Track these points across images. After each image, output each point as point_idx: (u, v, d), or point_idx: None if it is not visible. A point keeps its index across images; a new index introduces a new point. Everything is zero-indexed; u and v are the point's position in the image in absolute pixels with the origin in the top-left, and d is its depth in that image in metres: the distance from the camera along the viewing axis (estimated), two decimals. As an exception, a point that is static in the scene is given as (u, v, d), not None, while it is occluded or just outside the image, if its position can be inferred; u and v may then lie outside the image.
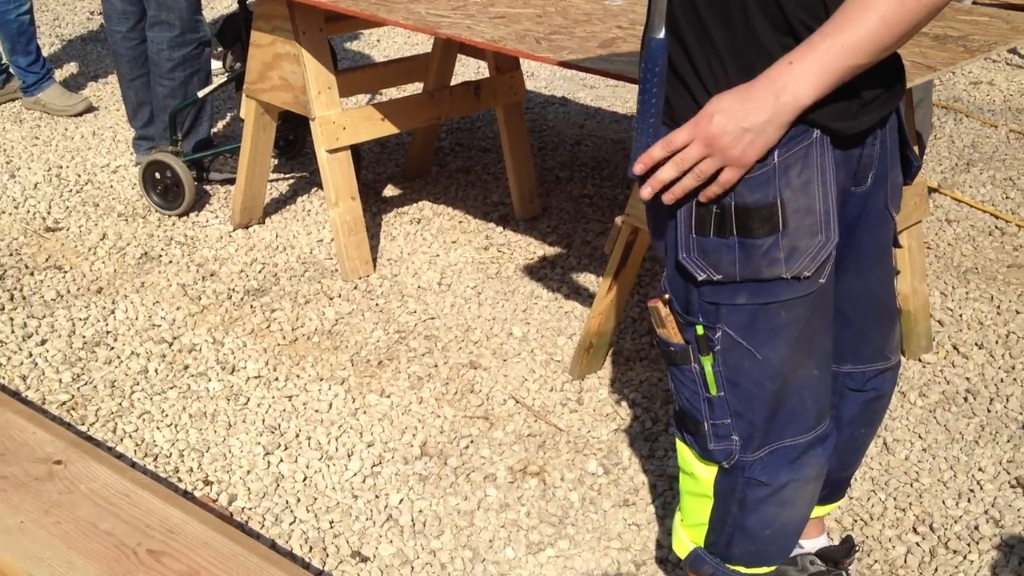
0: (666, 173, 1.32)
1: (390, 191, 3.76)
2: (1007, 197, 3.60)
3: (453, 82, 3.59)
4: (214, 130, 4.12)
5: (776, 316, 1.38)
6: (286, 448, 2.39)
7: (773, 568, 1.63)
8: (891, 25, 1.19)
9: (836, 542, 1.93)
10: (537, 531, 2.13)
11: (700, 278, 1.37)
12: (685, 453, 1.56)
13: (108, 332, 2.86)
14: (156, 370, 2.69)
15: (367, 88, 3.74)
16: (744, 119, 1.25)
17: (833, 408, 1.61)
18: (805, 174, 1.32)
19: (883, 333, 1.63)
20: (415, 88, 4.18)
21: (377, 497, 2.23)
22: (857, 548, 1.83)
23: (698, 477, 1.54)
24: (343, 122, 3.07)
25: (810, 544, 1.84)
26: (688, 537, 1.63)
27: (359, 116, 3.14)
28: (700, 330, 1.42)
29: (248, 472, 2.32)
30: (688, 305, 1.43)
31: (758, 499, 1.50)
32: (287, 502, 2.22)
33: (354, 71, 3.58)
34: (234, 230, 3.45)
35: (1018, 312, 2.90)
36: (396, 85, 3.81)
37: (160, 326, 2.89)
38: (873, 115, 1.37)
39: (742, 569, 1.60)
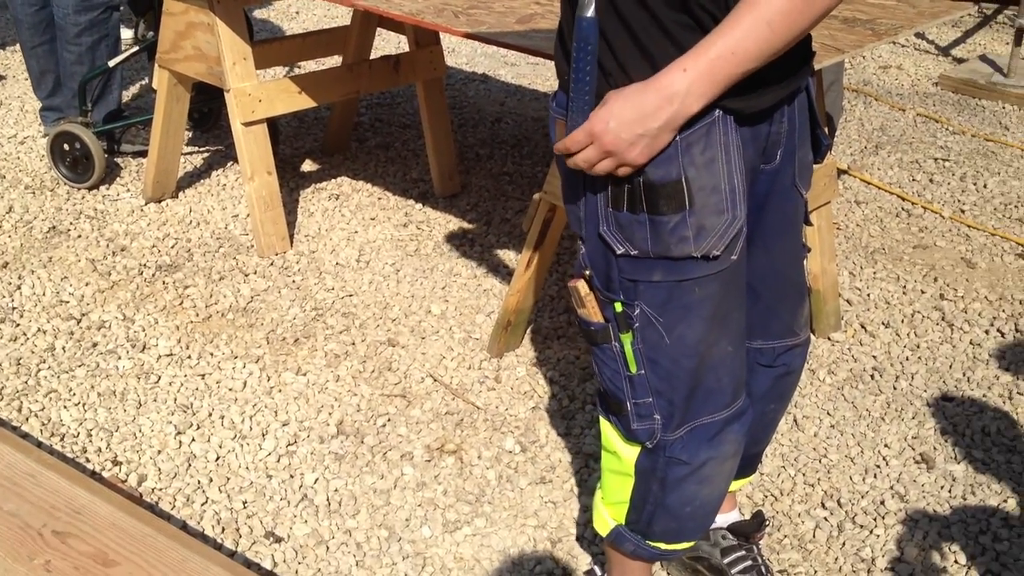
0: (574, 163, 1.37)
1: (308, 166, 3.71)
2: (913, 179, 3.70)
3: (373, 56, 3.55)
4: (125, 100, 4.01)
5: (690, 293, 1.40)
6: (198, 427, 2.35)
7: (692, 544, 1.66)
8: (777, 31, 1.23)
9: (747, 517, 1.97)
10: (454, 509, 2.13)
11: (619, 251, 1.39)
12: (608, 432, 1.57)
13: (14, 308, 2.78)
14: (64, 347, 2.62)
15: (284, 60, 3.67)
16: (638, 126, 1.29)
17: (745, 384, 1.64)
18: (708, 152, 1.35)
19: (791, 309, 1.66)
20: (334, 61, 4.13)
21: (292, 477, 2.21)
22: (767, 523, 1.87)
23: (621, 456, 1.56)
24: (259, 94, 3.01)
25: (722, 519, 1.88)
26: (609, 514, 1.64)
27: (276, 88, 3.08)
28: (619, 307, 1.43)
29: (159, 452, 2.28)
30: (608, 282, 1.44)
31: (679, 477, 1.52)
32: (199, 482, 2.19)
33: (271, 42, 3.51)
34: (146, 204, 3.37)
35: (923, 292, 2.99)
36: (314, 58, 3.75)
37: (68, 302, 2.81)
38: (776, 93, 1.39)
39: (662, 545, 1.62)
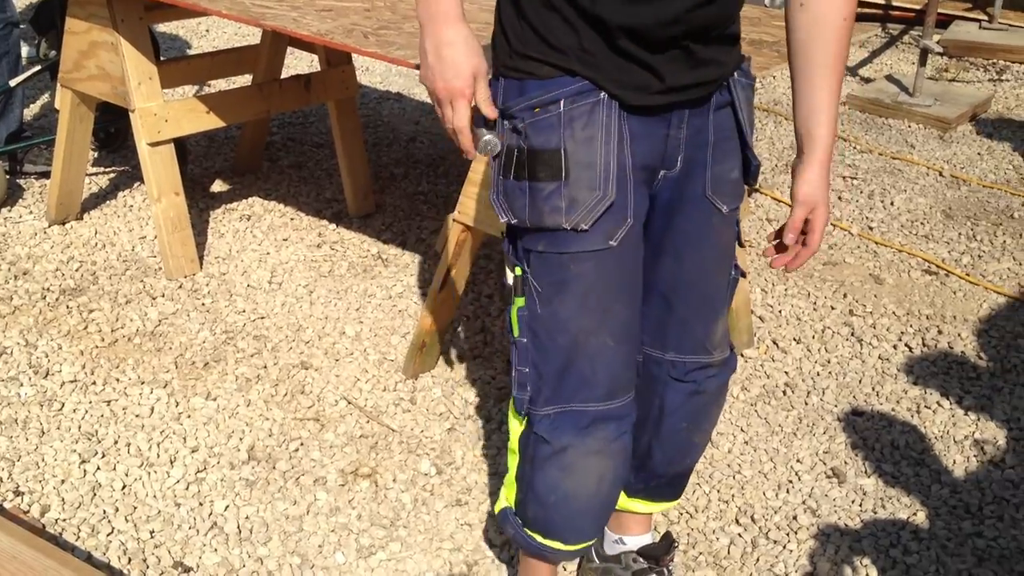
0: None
1: (219, 186, 3.64)
2: (823, 198, 3.77)
3: (284, 75, 3.50)
4: (28, 120, 3.89)
5: (566, 268, 1.47)
6: (104, 456, 2.27)
7: (569, 547, 1.68)
8: None
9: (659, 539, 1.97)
10: (368, 534, 2.10)
11: (502, 220, 1.50)
12: (511, 407, 1.64)
13: (-94, 335, 2.67)
14: (-40, 376, 2.52)
15: (192, 79, 3.61)
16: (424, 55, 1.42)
17: (657, 396, 1.69)
18: (589, 129, 1.42)
19: (704, 326, 1.65)
20: (244, 80, 4.06)
21: (201, 504, 2.15)
22: (676, 544, 1.86)
23: (513, 431, 1.64)
24: (165, 114, 2.95)
25: (633, 541, 1.88)
26: (505, 495, 1.72)
27: (182, 108, 3.02)
28: (519, 271, 1.53)
29: (63, 481, 2.20)
30: (514, 248, 1.54)
31: (542, 457, 1.58)
32: (104, 512, 2.11)
33: (178, 61, 3.45)
34: (49, 226, 3.27)
35: (833, 308, 3.04)
36: (223, 77, 3.69)
37: (-35, 328, 2.71)
38: (668, 97, 1.44)
39: (538, 537, 1.67)
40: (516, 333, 1.55)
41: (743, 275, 1.69)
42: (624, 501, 1.83)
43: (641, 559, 1.86)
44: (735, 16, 1.49)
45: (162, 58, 3.63)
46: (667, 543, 1.87)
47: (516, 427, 1.63)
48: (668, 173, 1.53)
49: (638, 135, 1.46)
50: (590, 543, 1.72)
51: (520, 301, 1.53)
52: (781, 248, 1.57)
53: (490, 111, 1.42)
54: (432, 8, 1.38)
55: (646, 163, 1.49)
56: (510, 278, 1.56)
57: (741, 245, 1.70)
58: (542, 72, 1.42)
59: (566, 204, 1.43)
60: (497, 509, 1.75)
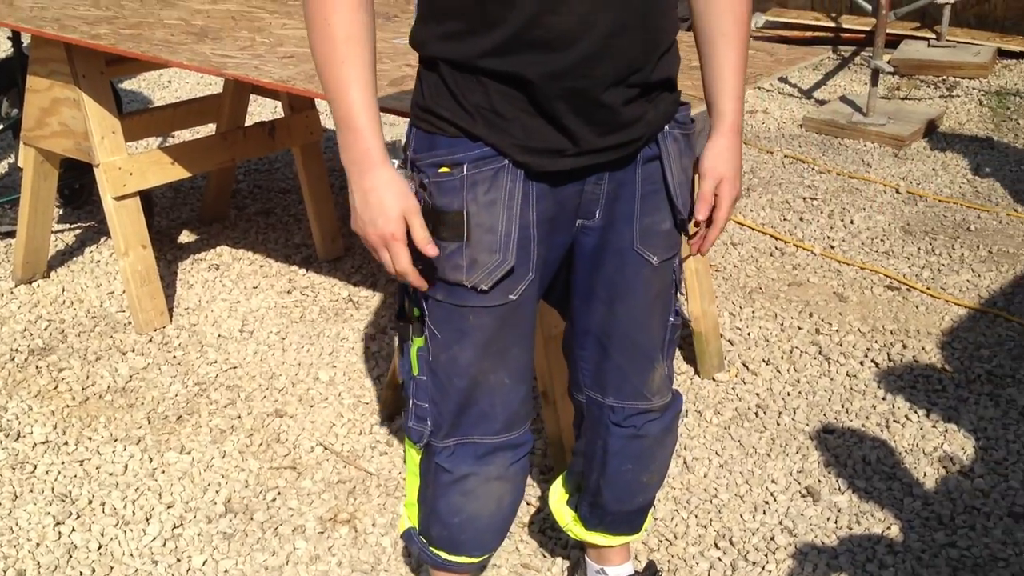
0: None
1: (186, 237, 3.65)
2: (784, 219, 3.83)
3: (248, 122, 3.52)
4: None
5: (465, 319, 1.49)
6: (78, 516, 2.26)
7: (475, 559, 1.73)
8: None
9: (641, 568, 1.99)
10: (349, 580, 2.10)
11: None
12: (407, 436, 1.67)
13: None
14: (-69, 442, 2.51)
15: (156, 131, 3.62)
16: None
17: (600, 438, 1.72)
18: (492, 194, 1.42)
19: (640, 374, 1.65)
20: (208, 130, 4.08)
21: (179, 560, 2.14)
22: (659, 573, 1.88)
23: (410, 457, 1.67)
24: (130, 168, 2.96)
25: (615, 572, 1.90)
26: (407, 515, 1.76)
27: (147, 161, 3.03)
28: (416, 312, 1.54)
29: (37, 545, 2.19)
30: (410, 289, 1.53)
31: (444, 484, 1.62)
32: (81, 573, 2.10)
33: (141, 114, 3.46)
34: (16, 286, 3.26)
35: (799, 328, 3.08)
36: (187, 127, 3.70)
37: (-66, 394, 2.70)
38: (585, 161, 1.43)
39: (443, 554, 1.71)
40: (416, 372, 1.56)
41: (685, 323, 1.70)
42: (585, 534, 1.87)
43: None
44: (667, 59, 1.45)
45: (124, 111, 3.64)
46: (651, 572, 1.89)
47: (413, 454, 1.66)
48: (587, 223, 1.53)
49: (545, 195, 1.46)
50: (496, 550, 1.77)
51: (420, 341, 1.54)
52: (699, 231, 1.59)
53: (431, 251, 1.38)
54: (353, 153, 1.35)
55: (554, 215, 1.49)
56: (407, 313, 1.58)
57: (677, 291, 1.67)
58: (449, 131, 1.41)
59: (467, 264, 1.44)
60: (400, 529, 1.79)
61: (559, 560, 2.16)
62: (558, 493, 1.92)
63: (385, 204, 1.35)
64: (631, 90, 1.41)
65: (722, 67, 1.53)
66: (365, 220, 1.36)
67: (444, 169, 1.41)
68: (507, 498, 1.67)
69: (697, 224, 1.58)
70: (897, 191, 4.02)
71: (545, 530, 2.25)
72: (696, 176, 1.59)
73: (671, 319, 1.65)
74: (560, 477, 1.93)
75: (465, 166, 1.41)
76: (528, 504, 2.34)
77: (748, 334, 3.06)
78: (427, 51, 1.41)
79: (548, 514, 2.30)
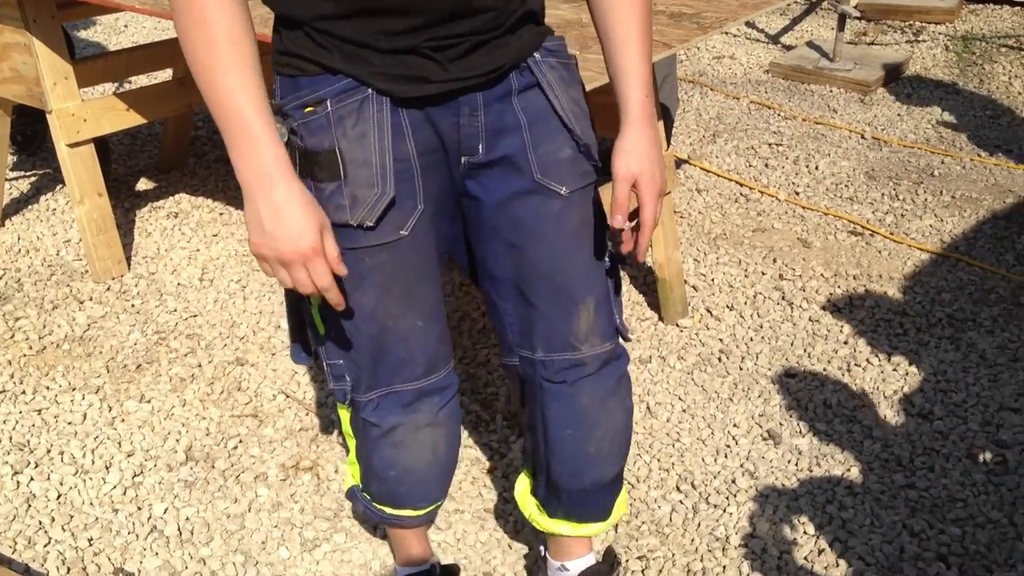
0: None
1: (143, 185, 3.59)
2: (750, 165, 3.82)
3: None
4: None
5: (360, 262, 1.42)
6: (37, 465, 2.24)
7: (420, 511, 1.69)
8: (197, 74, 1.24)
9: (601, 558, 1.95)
10: (312, 527, 2.09)
11: None
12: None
13: None
14: None
15: (111, 77, 3.53)
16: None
17: (537, 402, 1.61)
18: (360, 127, 1.36)
19: (566, 320, 1.54)
20: (165, 76, 4.00)
21: (140, 509, 2.13)
22: (619, 562, 1.81)
23: (343, 414, 1.64)
24: (83, 114, 2.89)
25: (574, 565, 1.80)
26: (350, 473, 1.72)
27: (101, 107, 2.97)
28: None
29: (-5, 495, 2.16)
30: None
31: (374, 438, 1.58)
32: (40, 523, 2.08)
33: (95, 59, 3.37)
34: (-31, 235, 3.20)
35: (763, 274, 3.08)
36: (143, 73, 3.61)
37: None
38: (451, 86, 1.38)
39: (387, 509, 1.68)
40: (322, 331, 1.50)
41: (621, 259, 1.57)
42: (548, 523, 1.76)
43: None
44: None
45: (79, 57, 3.56)
46: (608, 563, 1.81)
47: (344, 413, 1.63)
48: (472, 159, 1.46)
49: (419, 125, 1.40)
50: (442, 501, 1.72)
51: (318, 298, 1.47)
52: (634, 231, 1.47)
53: (341, 269, 1.31)
54: (255, 165, 1.24)
55: (434, 148, 1.43)
56: None
57: (613, 232, 1.50)
58: (310, 70, 1.36)
59: (349, 202, 1.38)
60: (345, 487, 1.76)
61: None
62: (523, 484, 1.81)
63: (300, 218, 1.25)
64: (492, 33, 1.37)
65: (625, 50, 1.42)
66: (278, 237, 1.25)
67: (309, 108, 1.36)
68: (441, 444, 1.61)
69: (614, 237, 1.48)
70: (862, 137, 4.02)
71: (508, 475, 2.25)
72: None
73: (604, 257, 1.55)
74: (524, 468, 1.83)
75: (328, 102, 1.35)
76: (492, 448, 2.34)
77: (712, 280, 3.06)
78: (279, 9, 1.36)
79: (512, 459, 2.30)
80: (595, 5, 1.45)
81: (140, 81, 4.35)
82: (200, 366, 2.60)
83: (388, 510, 1.68)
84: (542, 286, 1.52)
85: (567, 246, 1.51)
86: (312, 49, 1.35)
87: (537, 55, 1.45)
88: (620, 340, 1.61)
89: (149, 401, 2.46)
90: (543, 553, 1.88)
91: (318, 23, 1.32)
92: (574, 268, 1.52)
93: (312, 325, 1.52)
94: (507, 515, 2.15)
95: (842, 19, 4.55)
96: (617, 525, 1.94)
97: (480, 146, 1.45)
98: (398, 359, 1.50)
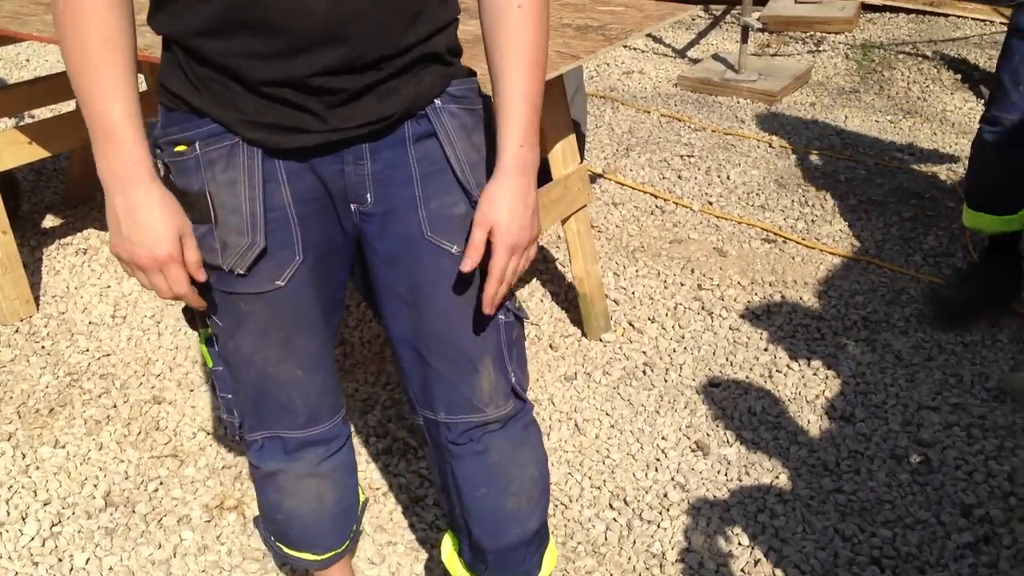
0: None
1: (50, 221, 3.48)
2: (663, 177, 3.86)
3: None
4: None
5: (236, 307, 1.40)
6: (-53, 521, 2.15)
7: (318, 556, 1.67)
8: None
9: None
10: (240, 569, 2.04)
11: None
12: None
13: None
14: None
15: (12, 110, 3.42)
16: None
17: (446, 464, 1.54)
18: (230, 173, 1.31)
19: (467, 382, 1.46)
20: (70, 107, 3.89)
21: (60, 560, 2.05)
22: None
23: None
24: (-17, 151, 2.80)
25: None
26: (257, 506, 1.70)
27: (3, 140, 2.88)
28: None
29: (-97, 554, 2.06)
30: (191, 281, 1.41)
31: (259, 480, 1.58)
32: (-47, 582, 2.00)
33: (-7, 93, 3.27)
34: None
35: (682, 284, 3.11)
36: (45, 105, 3.51)
37: None
38: (332, 137, 1.31)
39: (285, 548, 1.68)
40: (211, 364, 1.48)
41: (518, 316, 1.50)
42: None
43: None
44: (431, 38, 1.32)
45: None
46: None
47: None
48: (363, 208, 1.39)
49: (297, 173, 1.34)
50: (341, 548, 1.69)
51: (206, 331, 1.46)
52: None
53: (201, 276, 1.29)
54: (116, 166, 1.22)
55: (316, 195, 1.37)
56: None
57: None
58: (182, 107, 1.30)
59: (220, 247, 1.33)
60: (252, 520, 1.75)
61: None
62: (448, 546, 1.72)
63: (158, 224, 1.23)
64: (377, 72, 1.28)
65: (507, 91, 1.33)
66: (134, 241, 1.24)
67: (180, 148, 1.31)
68: (329, 495, 1.58)
69: (464, 275, 1.40)
70: (770, 146, 4.10)
71: (439, 502, 2.23)
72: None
73: (501, 317, 1.45)
74: (448, 529, 1.74)
75: (198, 144, 1.30)
76: (421, 476, 2.31)
77: (632, 293, 3.08)
78: (154, 25, 1.29)
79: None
80: (485, 39, 1.35)
81: (42, 115, 4.23)
82: (116, 407, 2.52)
83: (285, 549, 1.67)
84: (439, 348, 1.44)
85: (460, 307, 1.43)
86: (181, 84, 1.29)
87: (438, 101, 1.36)
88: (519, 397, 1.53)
89: (64, 446, 2.37)
90: None
91: (192, 40, 1.25)
92: (471, 331, 1.44)
93: (202, 356, 1.50)
94: (440, 544, 2.12)
95: (745, 31, 4.64)
96: None
97: (368, 195, 1.37)
98: (278, 405, 1.48)
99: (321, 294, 1.44)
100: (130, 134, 1.22)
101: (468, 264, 1.34)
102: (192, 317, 1.45)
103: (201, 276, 1.30)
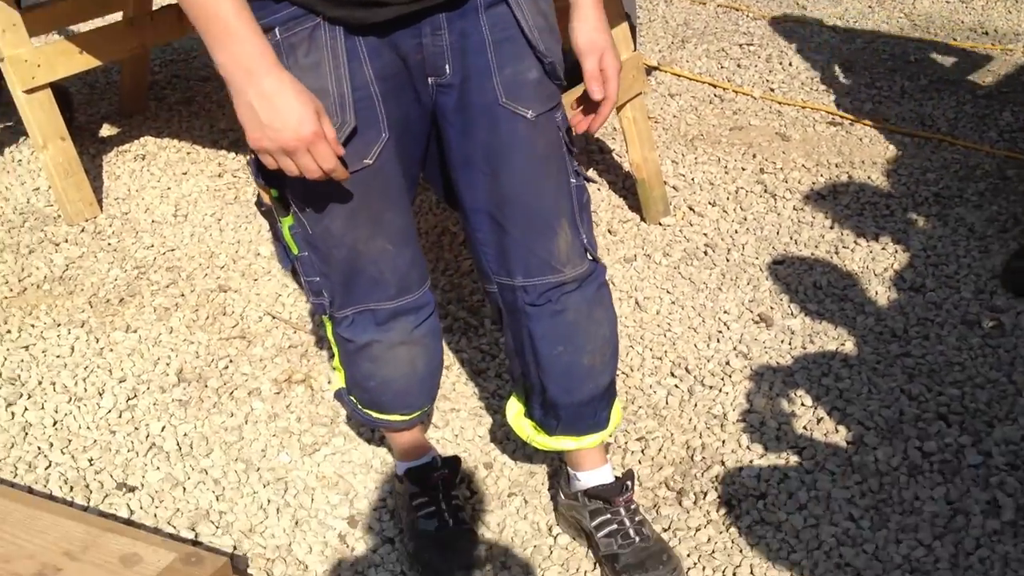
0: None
1: (107, 131, 3.52)
2: (722, 67, 3.78)
3: (157, 6, 3.38)
4: None
5: (323, 187, 1.39)
6: (30, 397, 2.21)
7: (406, 416, 1.70)
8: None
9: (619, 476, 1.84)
10: (310, 433, 2.08)
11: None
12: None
13: None
14: None
15: (59, 24, 3.44)
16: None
17: (523, 327, 1.58)
18: (313, 55, 1.32)
19: (544, 244, 1.51)
20: (116, 19, 3.91)
21: (137, 429, 2.10)
22: (631, 484, 1.76)
23: (326, 323, 1.62)
24: (37, 59, 2.82)
25: (586, 477, 1.77)
26: (338, 377, 1.72)
27: (54, 51, 2.89)
28: (274, 193, 1.45)
29: (-12, 430, 2.14)
30: (260, 168, 1.41)
31: (350, 353, 1.60)
32: (39, 448, 2.06)
33: (42, 7, 3.29)
34: (-64, 189, 3.14)
35: (744, 169, 3.07)
36: (92, 18, 3.52)
37: None
38: (409, 8, 1.32)
39: (373, 413, 1.70)
40: (296, 251, 1.50)
41: (587, 180, 1.58)
42: (549, 441, 1.72)
43: (596, 499, 1.76)
44: None
45: (25, 5, 3.47)
46: (620, 484, 1.75)
47: (327, 323, 1.61)
48: (440, 80, 1.42)
49: (377, 51, 1.35)
50: (428, 407, 1.73)
51: (289, 219, 1.47)
52: (588, 110, 1.52)
53: (340, 149, 1.30)
54: (240, 58, 1.22)
55: (395, 71, 1.39)
56: (265, 198, 1.51)
57: (570, 152, 1.53)
58: None
59: None
60: (333, 390, 1.77)
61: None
62: (514, 408, 1.77)
63: (297, 106, 1.23)
64: None
65: None
66: (277, 128, 1.24)
67: None
68: (420, 360, 1.61)
69: (584, 104, 1.51)
70: (834, 30, 3.99)
71: (501, 374, 2.24)
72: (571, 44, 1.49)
73: (572, 181, 1.53)
74: (513, 393, 1.79)
75: (277, 30, 1.30)
76: (482, 351, 2.32)
77: (692, 179, 3.04)
78: None
79: (503, 360, 2.29)
80: None
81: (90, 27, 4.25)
82: (183, 295, 2.56)
83: (374, 414, 1.70)
84: (517, 212, 1.49)
85: (537, 171, 1.48)
86: None
87: None
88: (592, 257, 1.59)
89: (136, 331, 2.42)
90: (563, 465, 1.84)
91: None
92: (547, 193, 1.50)
93: (285, 246, 1.51)
94: (503, 411, 2.13)
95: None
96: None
97: (446, 66, 1.41)
98: (370, 280, 1.50)
99: (403, 170, 1.47)
100: (246, 26, 1.21)
101: (598, 91, 1.47)
102: (269, 209, 1.47)
103: (341, 150, 1.30)
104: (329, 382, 2.23)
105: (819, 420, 2.05)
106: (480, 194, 1.49)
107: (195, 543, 1.82)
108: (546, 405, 1.66)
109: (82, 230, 2.88)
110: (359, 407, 1.70)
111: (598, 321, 1.60)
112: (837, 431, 2.02)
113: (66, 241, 2.83)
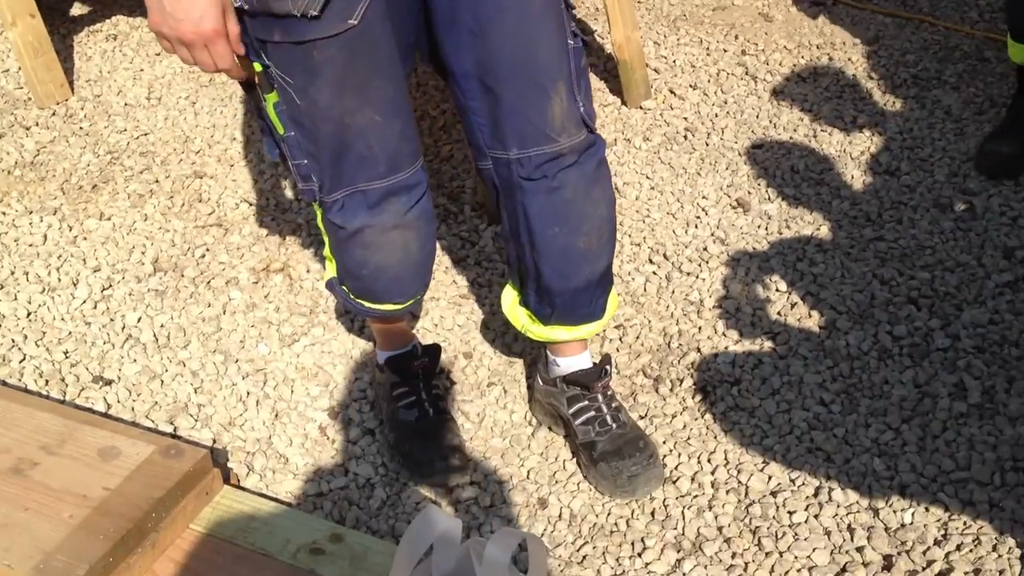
0: None
1: (77, 9, 3.43)
2: (706, -57, 3.68)
3: None
4: None
5: (310, 56, 1.35)
6: (3, 287, 2.21)
7: (399, 304, 1.66)
8: None
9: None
10: (289, 324, 2.09)
11: (235, 4, 1.31)
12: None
13: None
14: None
15: None
16: None
17: (518, 204, 1.55)
18: None
19: (539, 110, 1.45)
20: None
21: (112, 320, 2.11)
22: (609, 369, 1.76)
23: (316, 211, 1.58)
24: (1, -70, 2.73)
25: (565, 363, 1.78)
26: (328, 267, 1.68)
27: (19, -77, 2.79)
28: (258, 67, 1.38)
29: (-36, 320, 2.14)
30: (247, 41, 1.37)
31: (342, 240, 1.54)
32: (13, 340, 2.07)
33: None
34: (-100, 71, 3.06)
35: (725, 51, 3.02)
36: None
37: None
38: None
39: (364, 302, 1.65)
40: (281, 131, 1.44)
41: (584, 43, 1.49)
42: (543, 331, 1.71)
43: (573, 385, 1.77)
44: None
45: None
46: (597, 370, 1.75)
47: (317, 210, 1.57)
48: None
49: None
50: (421, 294, 1.70)
51: (274, 96, 1.40)
52: None
53: (239, 48, 1.27)
54: None
55: None
56: (246, 72, 1.43)
57: (569, 7, 1.46)
58: None
59: None
60: (324, 279, 1.74)
61: (495, 288, 2.16)
62: (510, 296, 1.74)
63: None
64: None
65: None
66: (179, 18, 1.21)
67: None
68: (413, 244, 1.57)
69: None
70: (819, -95, 3.88)
71: (480, 262, 2.25)
72: None
73: (570, 41, 1.45)
74: (509, 281, 1.76)
75: None
76: (462, 238, 2.33)
77: (674, 61, 3.00)
78: None
79: (483, 247, 2.29)
80: None
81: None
82: (158, 181, 2.54)
83: (366, 303, 1.65)
84: (509, 75, 1.42)
85: (533, 28, 1.41)
86: None
87: None
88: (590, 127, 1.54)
89: (109, 218, 2.41)
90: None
91: None
92: (543, 54, 1.42)
93: (271, 126, 1.45)
94: (482, 299, 2.15)
95: None
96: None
97: None
98: (359, 156, 1.44)
99: (394, 34, 1.41)
100: None
101: None
102: (253, 85, 1.40)
103: (241, 49, 1.28)
104: (307, 271, 2.23)
105: (793, 305, 2.08)
106: (469, 57, 1.43)
107: (174, 437, 1.83)
108: (541, 291, 1.64)
109: (53, 113, 2.84)
110: (351, 297, 1.65)
111: (596, 201, 1.56)
112: (810, 316, 2.05)
113: (37, 125, 2.78)
